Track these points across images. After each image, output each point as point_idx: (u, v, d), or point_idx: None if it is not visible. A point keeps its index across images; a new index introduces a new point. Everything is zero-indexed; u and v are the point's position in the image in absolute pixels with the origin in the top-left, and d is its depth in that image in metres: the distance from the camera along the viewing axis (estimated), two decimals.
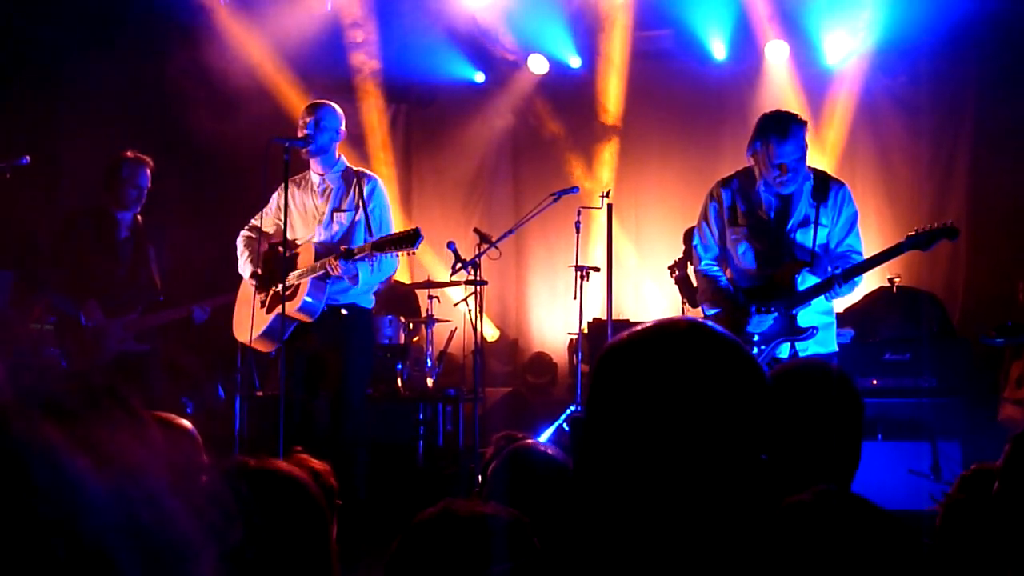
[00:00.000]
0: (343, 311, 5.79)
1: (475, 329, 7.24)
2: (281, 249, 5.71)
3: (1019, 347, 7.08)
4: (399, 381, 7.93)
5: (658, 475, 1.43)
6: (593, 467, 1.49)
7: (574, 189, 7.53)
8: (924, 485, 6.57)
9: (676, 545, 1.42)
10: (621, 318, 8.32)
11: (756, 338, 5.27)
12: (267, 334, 5.80)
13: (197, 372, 7.33)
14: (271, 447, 5.07)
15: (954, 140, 9.24)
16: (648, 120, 10.05)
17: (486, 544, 2.05)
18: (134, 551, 0.71)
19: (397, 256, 5.70)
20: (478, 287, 7.18)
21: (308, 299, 5.67)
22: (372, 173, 6.10)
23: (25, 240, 7.07)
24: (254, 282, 5.85)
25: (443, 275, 8.80)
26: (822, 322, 5.31)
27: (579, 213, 7.88)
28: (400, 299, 8.92)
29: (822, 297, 5.22)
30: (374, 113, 10.34)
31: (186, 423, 2.58)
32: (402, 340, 8.28)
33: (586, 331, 7.99)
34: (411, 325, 8.50)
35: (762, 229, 5.36)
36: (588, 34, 9.97)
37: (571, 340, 8.86)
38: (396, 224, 6.14)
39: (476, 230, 7.64)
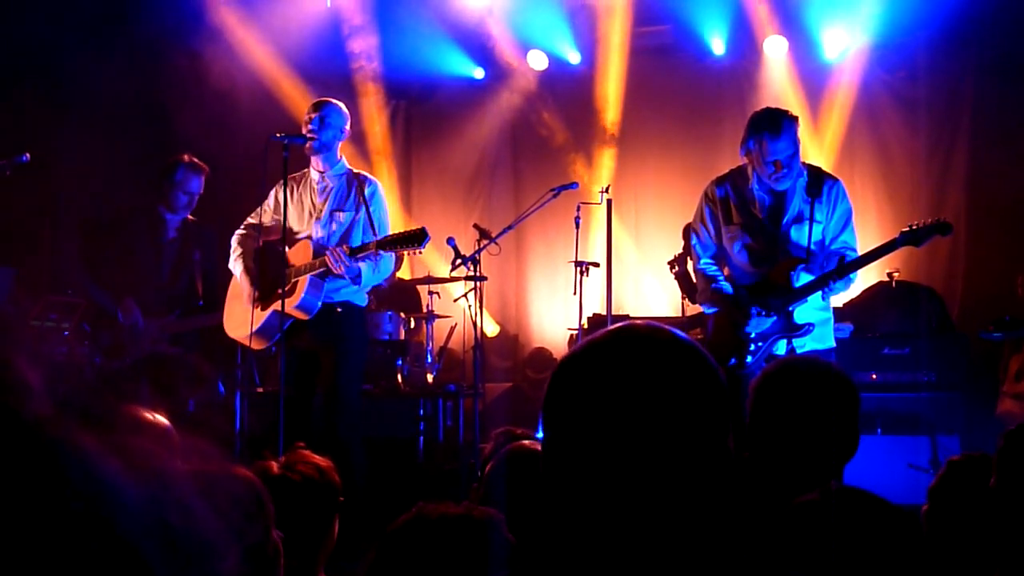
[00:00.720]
0: (337, 309, 5.82)
1: (475, 325, 7.25)
2: (281, 247, 5.74)
3: (1018, 341, 7.10)
4: (399, 377, 7.94)
5: (622, 487, 1.41)
6: (557, 484, 1.46)
7: (573, 185, 7.54)
8: (923, 479, 6.59)
9: (652, 556, 1.40)
10: (621, 313, 8.34)
11: (753, 335, 5.29)
12: (262, 331, 5.81)
13: (208, 374, 7.35)
14: (271, 443, 5.09)
15: (952, 135, 9.24)
16: (647, 116, 10.06)
17: (459, 546, 2.06)
18: (164, 549, 0.73)
19: (394, 256, 5.73)
20: (478, 283, 7.19)
21: (307, 297, 5.69)
22: (372, 176, 6.13)
23: (35, 238, 7.08)
24: (248, 279, 5.86)
25: (443, 271, 8.81)
26: (819, 318, 5.32)
27: (579, 208, 7.88)
28: (400, 295, 8.93)
29: (818, 293, 5.24)
30: (373, 109, 10.35)
31: (163, 420, 2.54)
32: (402, 336, 8.29)
33: (586, 326, 7.99)
34: (411, 321, 8.51)
35: (756, 227, 5.37)
36: (587, 30, 9.98)
37: (571, 335, 8.86)
38: (394, 224, 6.17)
39: (476, 226, 7.64)
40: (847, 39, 9.36)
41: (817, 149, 9.25)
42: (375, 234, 5.75)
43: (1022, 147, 8.57)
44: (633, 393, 1.43)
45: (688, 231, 6.75)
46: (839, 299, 6.72)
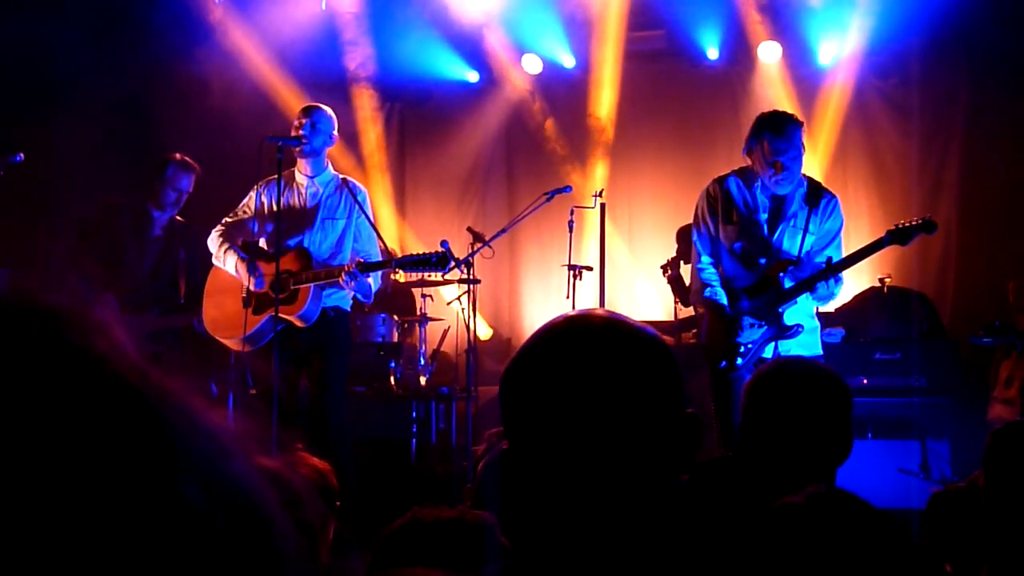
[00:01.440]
0: (330, 314, 5.85)
1: (468, 328, 7.26)
2: (276, 250, 5.75)
3: (1008, 347, 7.12)
4: (392, 379, 7.95)
5: (582, 482, 1.39)
6: (519, 486, 1.44)
7: (567, 188, 7.56)
8: (914, 483, 6.62)
9: (615, 554, 1.40)
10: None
11: (742, 349, 5.32)
12: (253, 336, 5.80)
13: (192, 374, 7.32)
14: (263, 444, 5.09)
15: (945, 141, 9.28)
16: (641, 120, 10.08)
17: (453, 550, 2.07)
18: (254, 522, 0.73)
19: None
20: (471, 286, 7.20)
21: (310, 306, 5.70)
22: (359, 183, 6.15)
23: (29, 238, 7.08)
24: (245, 269, 5.83)
25: (436, 274, 8.82)
26: (808, 326, 5.36)
27: (572, 212, 7.91)
28: (394, 297, 8.94)
29: (808, 298, 5.27)
30: (368, 112, 10.36)
31: None
32: (395, 338, 8.30)
33: None
34: (404, 323, 8.52)
35: (753, 229, 5.40)
36: (582, 34, 10.00)
37: None
38: (387, 228, 6.21)
39: (470, 229, 7.66)
40: (840, 45, 9.39)
41: (810, 154, 9.20)
42: (381, 239, 5.85)
43: (1014, 153, 8.61)
44: (586, 389, 1.40)
45: (682, 234, 6.78)
46: (831, 304, 6.74)
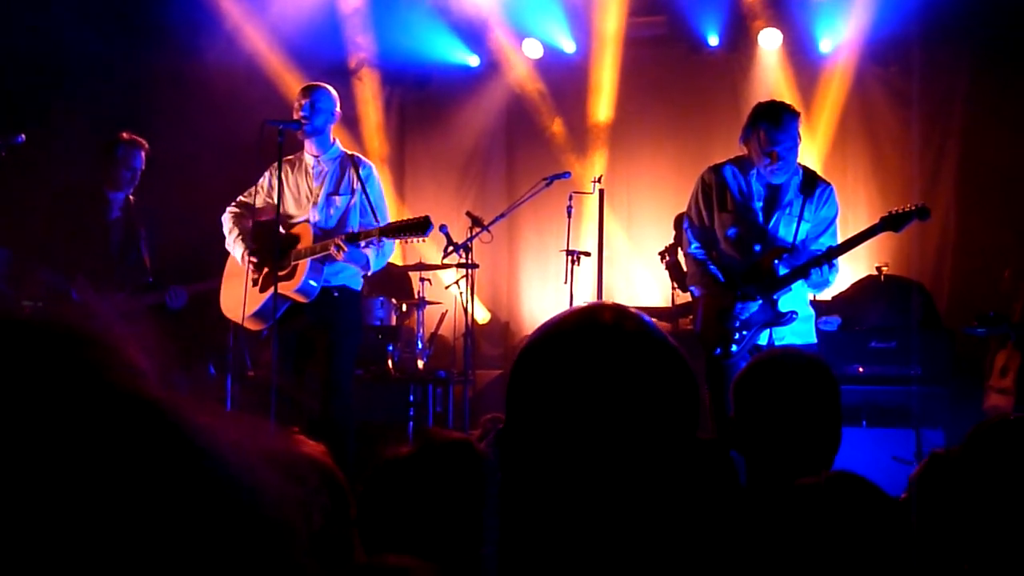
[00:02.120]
0: (335, 293, 5.86)
1: (466, 312, 7.29)
2: (278, 229, 5.78)
3: (1003, 337, 7.14)
4: (390, 362, 7.97)
5: (588, 476, 1.39)
6: (519, 476, 1.44)
7: (566, 174, 7.57)
8: (908, 472, 6.64)
9: (623, 549, 1.40)
10: (611, 302, 8.37)
11: (737, 323, 5.35)
12: (259, 314, 5.85)
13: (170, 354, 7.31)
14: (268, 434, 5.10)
15: (944, 130, 9.28)
16: (641, 106, 10.08)
17: (461, 471, 1.98)
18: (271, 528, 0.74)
19: (395, 241, 5.79)
20: (470, 270, 7.22)
21: (309, 281, 5.73)
22: (366, 159, 6.18)
23: (16, 216, 7.07)
24: (254, 260, 5.88)
25: (435, 257, 8.83)
26: (802, 314, 5.40)
27: (571, 198, 7.92)
28: (392, 281, 8.95)
29: (803, 286, 5.30)
30: (368, 96, 10.35)
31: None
32: (393, 322, 8.31)
33: None
34: (403, 307, 8.53)
35: (748, 217, 5.43)
36: (583, 19, 9.99)
37: None
38: (389, 209, 6.21)
39: (468, 213, 7.67)
40: (841, 32, 9.38)
41: (809, 142, 9.26)
42: (375, 217, 5.81)
43: (1013, 143, 8.61)
44: (596, 388, 1.40)
45: (680, 220, 6.80)
46: (827, 292, 6.76)
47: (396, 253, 9.39)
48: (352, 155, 6.08)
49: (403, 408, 7.80)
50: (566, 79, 10.25)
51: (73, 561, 0.64)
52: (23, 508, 0.64)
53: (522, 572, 1.44)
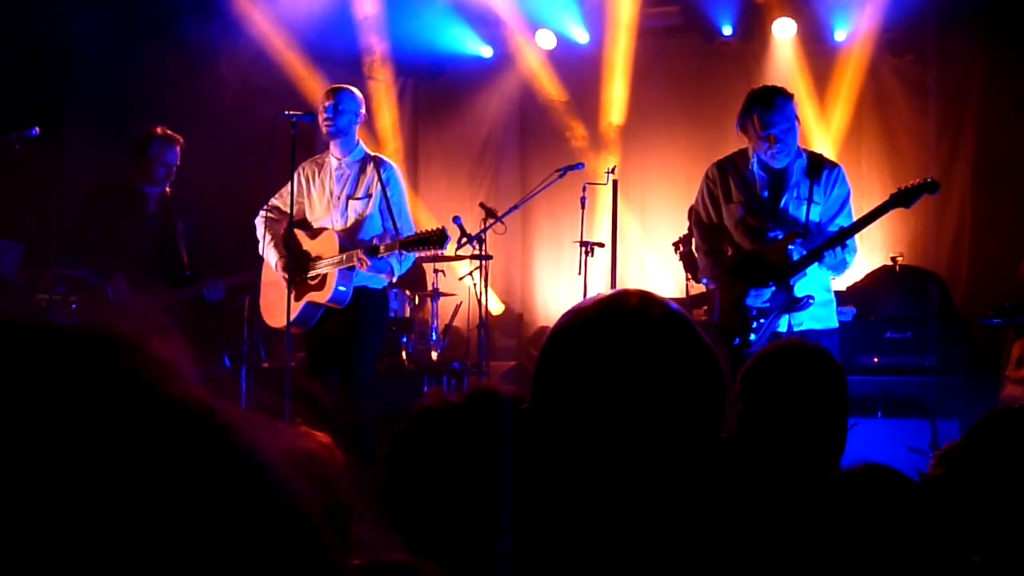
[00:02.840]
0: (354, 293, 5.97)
1: (480, 303, 7.29)
2: (289, 229, 5.87)
3: (1020, 327, 7.10)
4: (404, 354, 7.98)
5: (613, 465, 1.40)
6: (543, 462, 1.45)
7: (580, 165, 7.56)
8: (923, 463, 6.62)
9: (646, 541, 1.40)
10: (638, 289, 8.34)
11: (754, 312, 5.33)
12: (297, 322, 5.96)
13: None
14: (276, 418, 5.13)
15: (960, 119, 9.23)
16: (654, 96, 10.05)
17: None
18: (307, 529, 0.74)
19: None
20: (483, 261, 7.22)
21: (340, 288, 5.86)
22: (388, 160, 6.22)
23: (44, 212, 7.10)
24: (285, 276, 5.96)
25: (449, 249, 8.82)
26: (821, 299, 5.36)
27: (584, 189, 7.91)
28: (406, 273, 8.95)
29: (820, 269, 5.28)
30: (381, 87, 10.35)
31: None
32: (407, 313, 8.32)
33: None
34: (416, 299, 8.54)
35: (756, 205, 5.43)
36: (596, 10, 9.96)
37: None
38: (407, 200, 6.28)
39: (482, 205, 7.66)
40: (855, 22, 9.34)
41: (824, 132, 9.26)
42: (394, 222, 5.90)
43: None
44: (623, 374, 1.41)
45: (692, 212, 6.78)
46: (842, 282, 6.74)
47: None
48: (375, 156, 6.12)
49: (417, 400, 7.78)
50: (579, 70, 10.22)
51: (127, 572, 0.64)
52: (77, 519, 0.64)
53: (542, 556, 1.45)
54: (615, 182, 7.39)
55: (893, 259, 7.99)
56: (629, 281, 9.66)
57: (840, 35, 9.47)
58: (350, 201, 6.00)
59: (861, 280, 8.18)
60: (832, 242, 5.17)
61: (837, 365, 3.01)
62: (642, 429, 1.39)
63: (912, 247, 8.28)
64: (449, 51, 10.40)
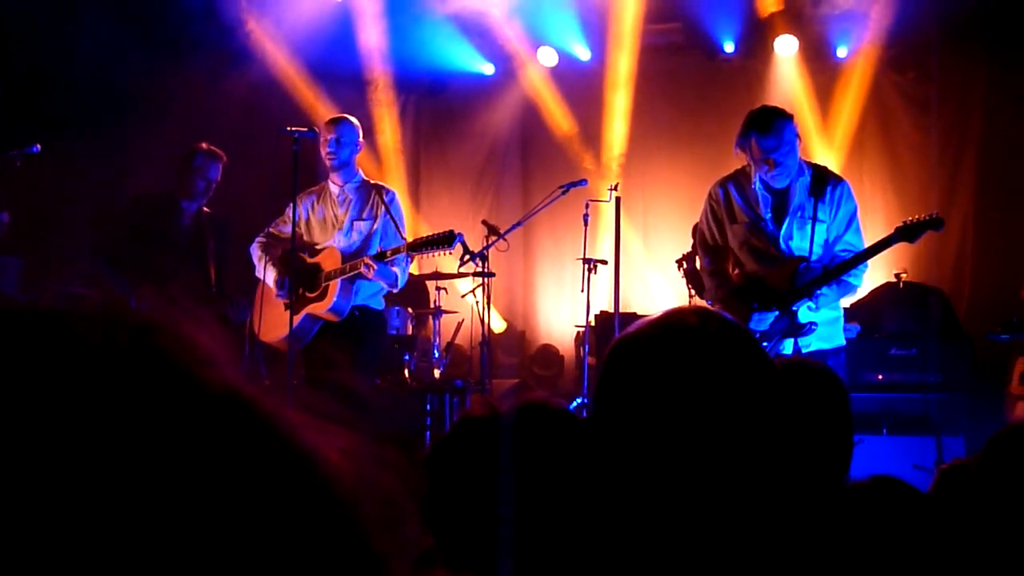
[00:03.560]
0: (355, 312, 6.05)
1: (482, 321, 7.26)
2: (291, 246, 5.91)
3: None
4: (406, 372, 7.96)
5: (671, 474, 1.44)
6: (601, 467, 1.51)
7: (582, 182, 7.54)
8: (928, 480, 6.58)
9: (700, 548, 1.43)
10: (628, 311, 8.33)
11: (757, 335, 5.28)
12: (295, 335, 5.94)
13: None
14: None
15: (962, 136, 9.23)
16: (657, 113, 10.05)
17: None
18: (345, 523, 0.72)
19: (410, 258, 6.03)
20: (486, 279, 7.20)
21: (338, 300, 5.93)
22: (388, 186, 6.39)
23: (45, 228, 7.08)
24: (283, 291, 5.99)
25: (451, 266, 8.81)
26: (827, 317, 5.30)
27: (587, 206, 7.89)
28: (408, 290, 8.93)
29: (830, 290, 5.23)
30: (383, 104, 10.36)
31: None
32: (409, 331, 8.30)
33: (593, 324, 8.00)
34: (419, 316, 8.52)
35: (759, 226, 5.36)
36: (598, 27, 9.97)
37: (578, 333, 8.88)
38: (406, 223, 6.38)
39: (484, 222, 7.65)
40: (857, 39, 9.34)
41: (826, 148, 9.25)
42: (401, 235, 6.04)
43: None
44: (688, 381, 1.47)
45: (696, 229, 6.76)
46: (846, 299, 6.71)
47: (412, 263, 9.44)
48: (376, 184, 6.30)
49: (420, 417, 7.78)
50: (581, 87, 10.23)
51: (160, 558, 0.61)
52: (106, 504, 0.62)
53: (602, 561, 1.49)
54: (618, 199, 7.37)
55: (897, 275, 7.96)
56: (632, 299, 9.64)
57: (842, 52, 9.48)
58: (355, 223, 6.14)
59: (865, 297, 8.16)
60: (834, 273, 5.13)
61: (841, 383, 2.98)
62: (711, 439, 1.45)
63: (916, 263, 8.25)
64: (451, 68, 10.42)
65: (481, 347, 7.33)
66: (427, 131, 10.99)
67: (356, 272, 5.83)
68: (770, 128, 5.14)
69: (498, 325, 10.25)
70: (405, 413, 7.76)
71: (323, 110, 9.14)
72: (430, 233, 5.93)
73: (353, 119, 6.23)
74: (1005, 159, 8.82)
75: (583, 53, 10.20)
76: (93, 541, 0.60)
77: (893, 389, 7.25)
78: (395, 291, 6.20)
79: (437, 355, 8.30)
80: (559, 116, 10.30)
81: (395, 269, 5.96)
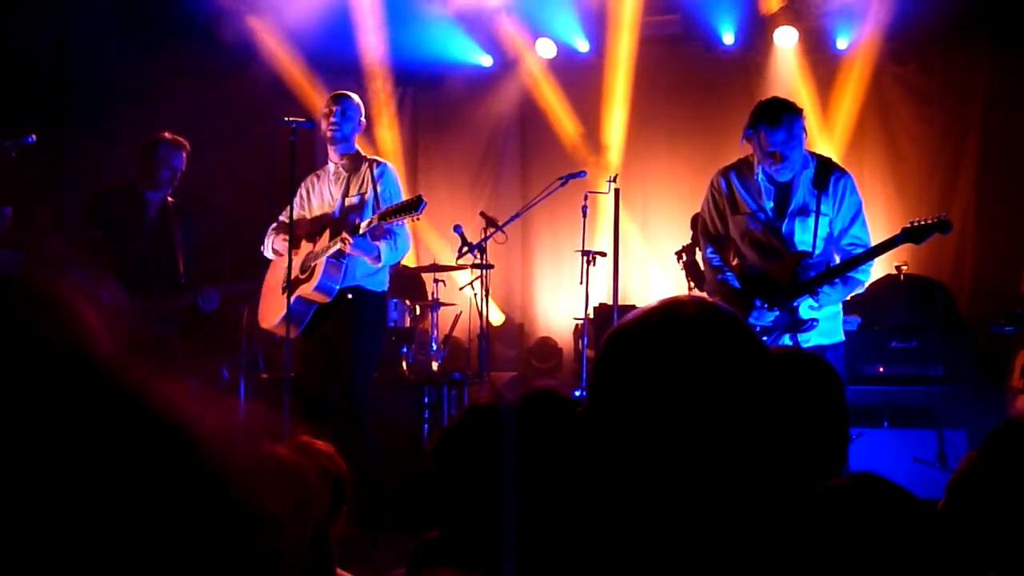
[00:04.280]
0: (348, 295, 5.86)
1: (480, 313, 7.24)
2: (289, 233, 5.84)
3: None
4: (404, 364, 7.93)
5: (667, 465, 1.43)
6: (596, 457, 1.50)
7: (581, 174, 7.51)
8: (930, 473, 6.57)
9: (693, 541, 1.42)
10: (627, 303, 8.31)
11: (757, 329, 5.24)
12: (292, 319, 5.87)
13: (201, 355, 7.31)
14: (275, 429, 5.07)
15: (963, 128, 9.20)
16: (656, 105, 10.02)
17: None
18: (227, 514, 0.70)
19: (409, 234, 5.84)
20: (484, 271, 7.17)
21: (324, 279, 5.78)
22: (383, 160, 6.25)
23: (42, 216, 7.05)
24: (282, 269, 5.93)
25: (449, 259, 8.79)
26: (827, 312, 5.26)
27: (586, 198, 7.86)
28: (406, 282, 8.91)
29: (828, 291, 5.19)
30: (381, 96, 10.32)
31: None
32: (408, 323, 8.27)
33: (592, 316, 7.97)
34: (417, 308, 8.49)
35: (762, 218, 5.32)
36: (596, 18, 9.94)
37: (576, 325, 8.85)
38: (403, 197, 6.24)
39: (483, 214, 7.63)
40: (858, 30, 9.31)
41: (827, 141, 9.21)
42: (379, 206, 5.84)
43: None
44: (685, 371, 1.47)
45: (696, 220, 6.73)
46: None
47: (410, 255, 9.39)
48: (370, 158, 6.17)
49: (418, 410, 7.75)
50: (580, 78, 10.20)
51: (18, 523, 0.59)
52: None
53: (600, 552, 1.50)
54: (617, 191, 7.34)
55: (898, 268, 7.93)
56: (631, 291, 9.61)
57: (842, 43, 9.44)
58: (344, 199, 6.01)
59: (866, 289, 8.13)
60: (838, 271, 5.11)
61: (836, 373, 2.95)
62: (706, 429, 1.45)
63: (916, 256, 8.22)
64: (449, 60, 10.38)
65: (479, 340, 7.31)
66: (425, 123, 10.95)
67: (337, 249, 5.70)
68: (780, 122, 5.10)
69: (496, 317, 10.22)
70: (403, 406, 7.73)
71: (320, 102, 9.10)
72: (434, 234, 5.83)
73: (357, 98, 6.15)
74: (1006, 151, 8.79)
75: (582, 45, 10.16)
76: None
77: (894, 382, 7.22)
78: (379, 265, 5.87)
79: (435, 348, 8.27)
80: (558, 108, 10.27)
81: (378, 243, 5.75)
